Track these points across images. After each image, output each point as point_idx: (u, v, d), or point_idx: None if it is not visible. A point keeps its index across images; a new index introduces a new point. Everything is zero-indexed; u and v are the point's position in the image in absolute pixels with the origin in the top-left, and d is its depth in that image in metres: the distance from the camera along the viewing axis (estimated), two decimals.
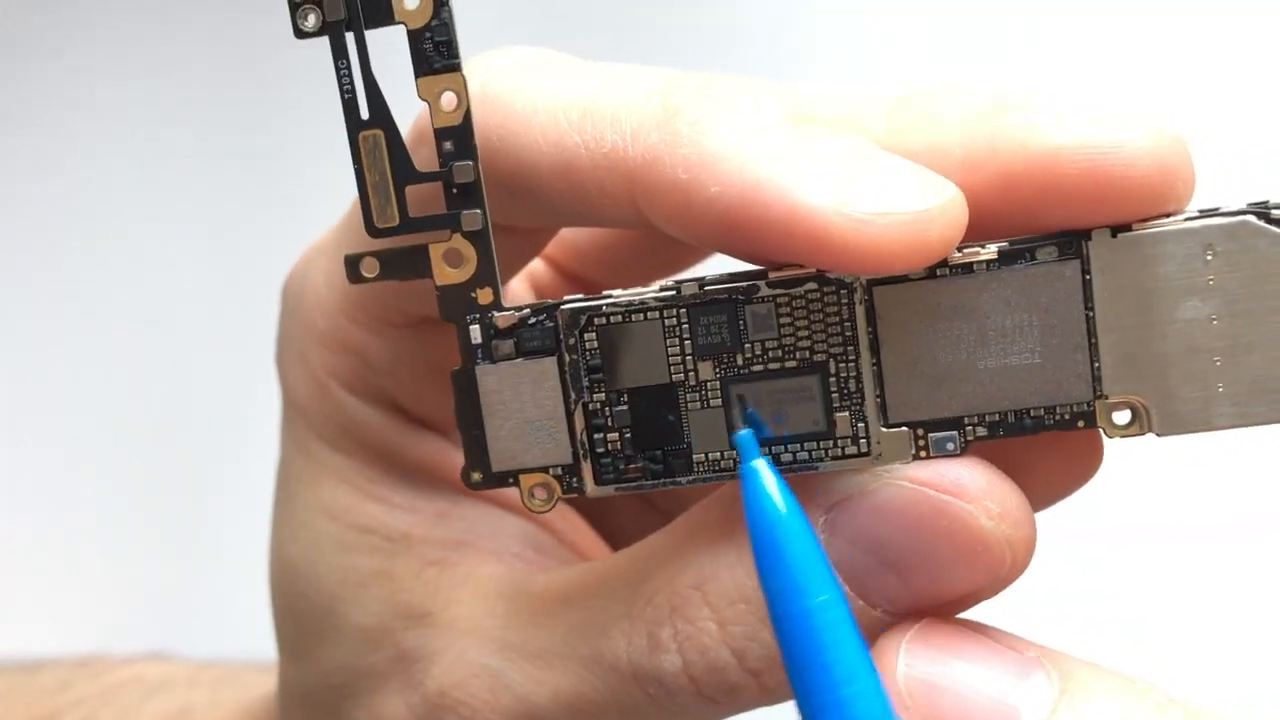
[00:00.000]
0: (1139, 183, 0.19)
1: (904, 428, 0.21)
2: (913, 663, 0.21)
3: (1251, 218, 0.20)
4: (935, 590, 0.21)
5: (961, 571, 0.21)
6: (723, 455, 0.21)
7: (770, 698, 0.23)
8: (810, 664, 0.20)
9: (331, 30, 0.21)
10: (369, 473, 0.26)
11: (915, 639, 0.21)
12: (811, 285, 0.21)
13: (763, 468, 0.20)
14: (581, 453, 0.22)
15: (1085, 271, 0.20)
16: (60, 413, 0.71)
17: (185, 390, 0.69)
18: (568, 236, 0.26)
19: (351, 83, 0.21)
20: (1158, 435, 0.20)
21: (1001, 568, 0.21)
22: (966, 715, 0.20)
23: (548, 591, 0.25)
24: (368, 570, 0.26)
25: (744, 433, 0.20)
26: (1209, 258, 0.20)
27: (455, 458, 0.26)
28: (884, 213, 0.19)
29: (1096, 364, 0.20)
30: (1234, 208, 0.20)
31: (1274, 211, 0.20)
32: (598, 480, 0.22)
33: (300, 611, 0.27)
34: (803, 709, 0.20)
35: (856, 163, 0.19)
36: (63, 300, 0.70)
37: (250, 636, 0.35)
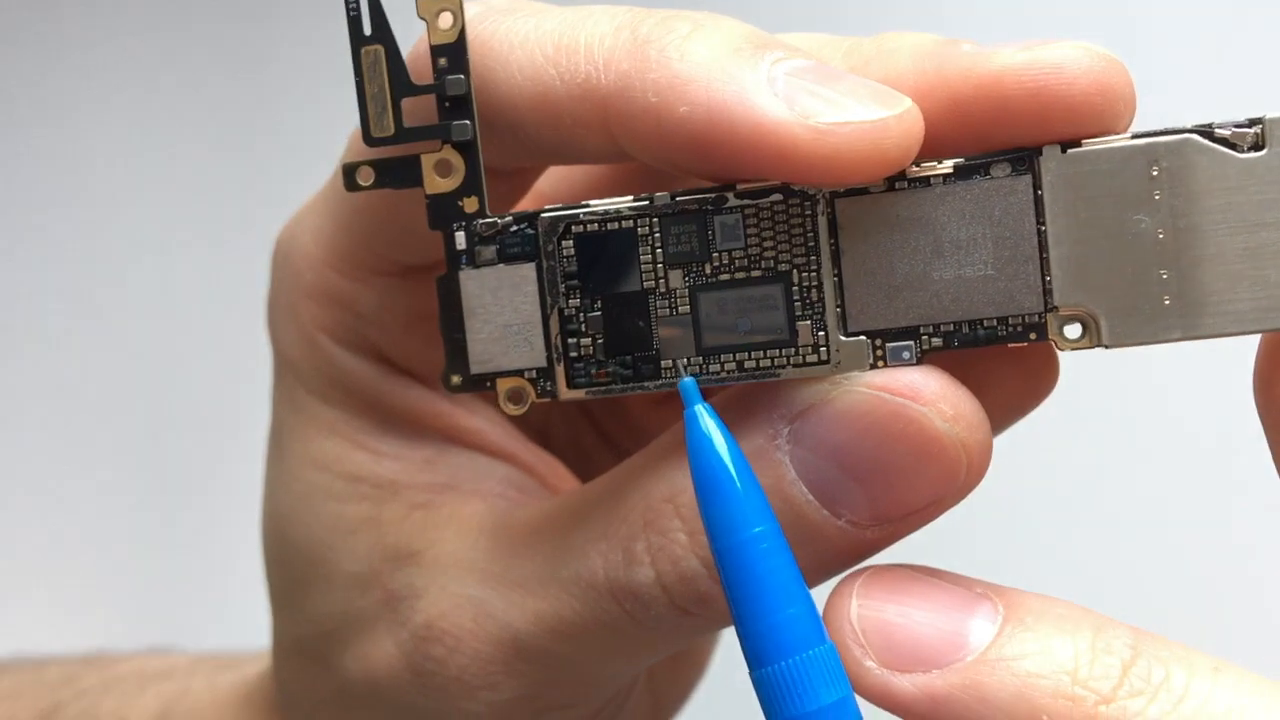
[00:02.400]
0: (1081, 100, 0.20)
1: (862, 337, 0.22)
2: (865, 603, 0.21)
3: (1195, 136, 0.21)
4: (895, 498, 0.22)
5: (919, 476, 0.21)
6: (689, 362, 0.22)
7: None
8: (747, 591, 0.21)
9: None
10: (357, 423, 0.27)
11: (866, 582, 0.22)
12: (777, 196, 0.22)
13: (703, 412, 0.21)
14: (555, 356, 0.23)
15: (1036, 186, 0.21)
16: (61, 412, 0.72)
17: (187, 388, 0.70)
18: (544, 190, 0.27)
19: (357, 2, 0.22)
20: (1106, 347, 0.21)
21: (958, 472, 0.21)
22: (918, 645, 0.21)
23: (529, 522, 0.25)
24: (356, 517, 0.27)
25: (687, 380, 0.21)
26: (1154, 173, 0.21)
27: (439, 406, 0.27)
28: (843, 122, 0.20)
29: (1047, 277, 0.21)
30: (1179, 126, 0.21)
31: (1218, 130, 0.20)
32: (570, 384, 0.23)
33: (291, 561, 0.28)
34: (740, 633, 0.21)
35: (816, 78, 0.21)
36: (62, 298, 0.72)
37: (255, 635, 0.35)
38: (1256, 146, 0.20)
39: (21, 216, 0.73)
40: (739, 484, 0.21)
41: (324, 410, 0.27)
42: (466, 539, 0.26)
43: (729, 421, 0.23)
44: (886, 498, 0.22)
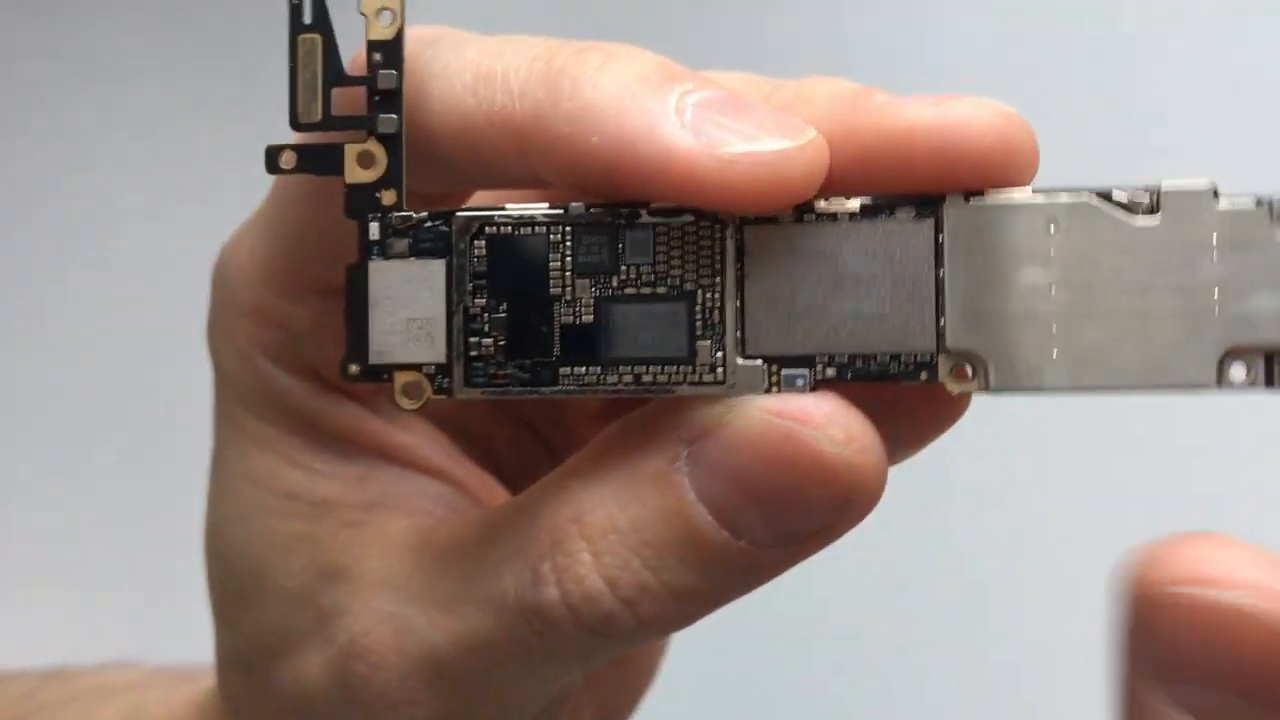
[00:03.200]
0: (984, 155, 0.21)
1: (759, 361, 0.22)
2: None
3: (1093, 198, 0.21)
4: (792, 519, 0.22)
5: (811, 497, 0.22)
6: (587, 370, 0.22)
7: (644, 630, 0.23)
8: None
9: None
10: (292, 440, 0.27)
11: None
12: (688, 218, 0.22)
13: None
14: (455, 354, 0.23)
15: (938, 231, 0.22)
16: (50, 420, 0.71)
17: (175, 401, 0.70)
18: None
19: None
20: (992, 391, 0.21)
21: (849, 493, 0.21)
22: None
23: (450, 541, 0.26)
24: (290, 534, 0.27)
25: None
26: (1052, 231, 0.21)
27: (372, 424, 0.28)
28: (748, 152, 0.21)
29: (941, 320, 0.22)
30: (1080, 188, 0.21)
31: (1115, 194, 0.21)
32: (467, 381, 0.23)
33: (229, 577, 0.28)
34: None
35: (723, 109, 0.21)
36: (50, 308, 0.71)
37: None
38: (1150, 211, 0.21)
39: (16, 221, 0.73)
40: None
41: (259, 427, 0.27)
42: (391, 556, 0.26)
43: (629, 444, 0.23)
44: (783, 519, 0.22)
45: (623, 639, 0.24)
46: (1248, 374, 0.21)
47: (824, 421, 0.21)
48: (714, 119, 0.21)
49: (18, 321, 0.72)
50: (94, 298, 0.72)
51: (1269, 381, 0.21)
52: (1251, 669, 0.18)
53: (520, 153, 0.22)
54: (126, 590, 0.71)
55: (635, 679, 0.31)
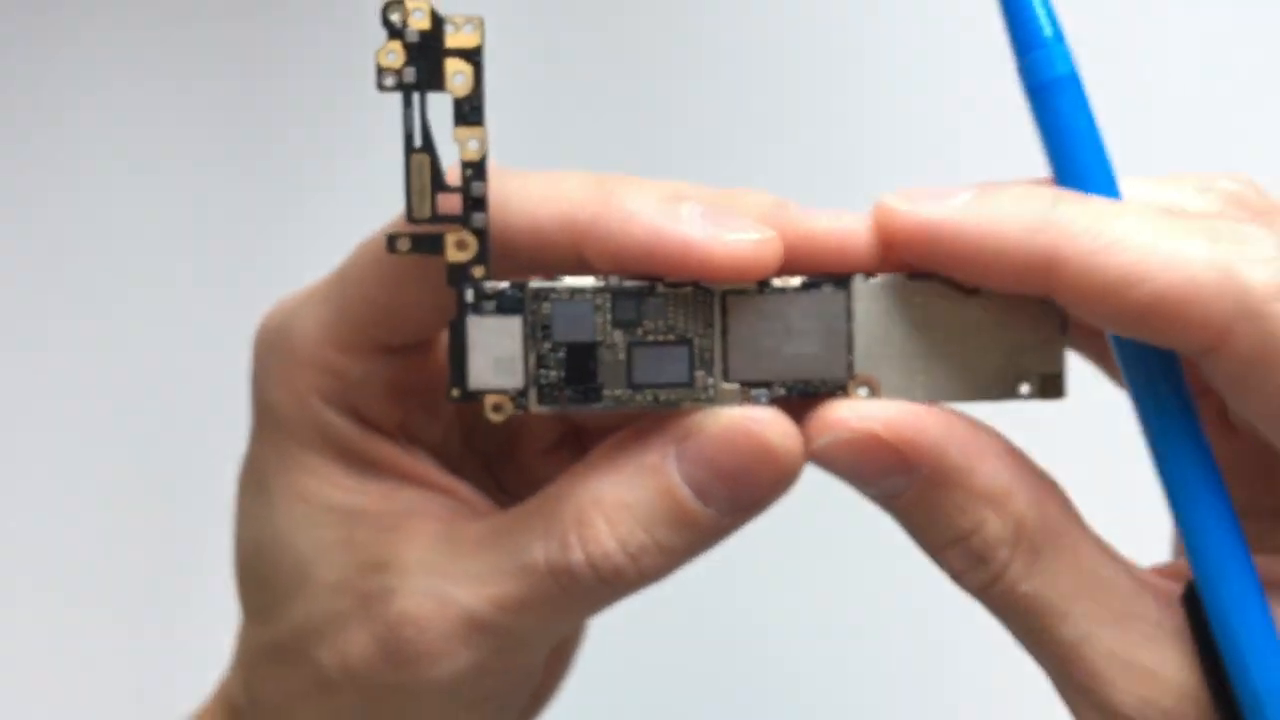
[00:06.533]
0: (865, 252, 0.33)
1: (736, 384, 0.33)
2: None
3: (939, 283, 0.34)
4: (746, 490, 0.33)
5: (759, 470, 0.33)
6: (622, 393, 0.33)
7: (643, 578, 0.34)
8: None
9: (405, 90, 0.32)
10: (332, 466, 0.36)
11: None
12: (689, 289, 0.33)
13: None
14: (530, 382, 0.33)
15: (848, 298, 0.34)
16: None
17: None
18: None
19: (411, 123, 0.32)
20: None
21: (784, 466, 0.33)
22: None
23: (480, 531, 0.35)
24: (333, 539, 0.35)
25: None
26: (902, 298, 0.34)
27: (396, 453, 0.37)
28: (740, 239, 0.32)
29: (850, 356, 0.34)
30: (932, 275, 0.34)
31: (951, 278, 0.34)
32: (539, 401, 0.33)
33: (273, 578, 0.36)
34: None
35: (716, 214, 0.32)
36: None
37: None
38: (974, 291, 0.34)
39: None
40: None
41: (306, 456, 0.36)
42: (428, 549, 0.35)
43: (632, 447, 0.33)
44: (740, 490, 0.33)
45: (626, 587, 0.34)
46: (1030, 390, 0.34)
47: (771, 420, 0.33)
48: (713, 219, 0.32)
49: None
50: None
51: (1044, 394, 0.34)
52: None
53: (575, 247, 0.33)
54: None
55: (559, 667, 0.41)
